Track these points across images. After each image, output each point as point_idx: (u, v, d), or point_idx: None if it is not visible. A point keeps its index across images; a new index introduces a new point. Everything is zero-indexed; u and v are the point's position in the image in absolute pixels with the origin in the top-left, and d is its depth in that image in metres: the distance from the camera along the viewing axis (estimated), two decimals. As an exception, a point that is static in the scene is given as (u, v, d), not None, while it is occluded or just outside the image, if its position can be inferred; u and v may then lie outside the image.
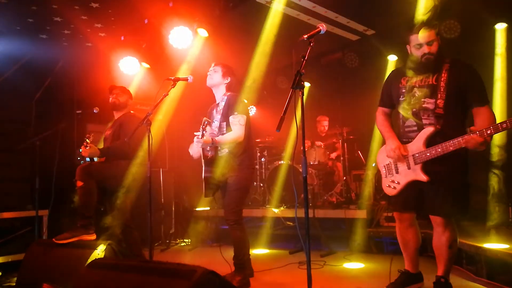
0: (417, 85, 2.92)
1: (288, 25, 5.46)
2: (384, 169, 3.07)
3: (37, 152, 4.64)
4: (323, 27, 2.52)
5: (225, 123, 3.68)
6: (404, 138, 2.98)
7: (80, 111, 5.05)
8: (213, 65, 3.84)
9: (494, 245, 3.40)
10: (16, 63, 5.49)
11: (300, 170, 2.40)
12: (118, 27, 5.41)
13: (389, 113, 3.21)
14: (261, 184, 6.33)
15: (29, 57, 5.53)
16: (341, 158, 6.06)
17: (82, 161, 5.51)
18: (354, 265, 4.26)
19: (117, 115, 4.19)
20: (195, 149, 3.72)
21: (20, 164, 5.41)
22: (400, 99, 2.99)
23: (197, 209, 6.60)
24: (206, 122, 3.52)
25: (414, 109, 2.90)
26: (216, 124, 3.74)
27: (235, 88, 3.92)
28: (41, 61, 5.61)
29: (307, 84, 7.10)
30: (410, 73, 2.99)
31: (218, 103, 3.79)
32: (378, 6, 5.24)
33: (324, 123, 6.91)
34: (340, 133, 6.11)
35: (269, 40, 5.85)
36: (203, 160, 3.64)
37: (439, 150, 2.71)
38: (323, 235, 5.00)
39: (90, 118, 5.70)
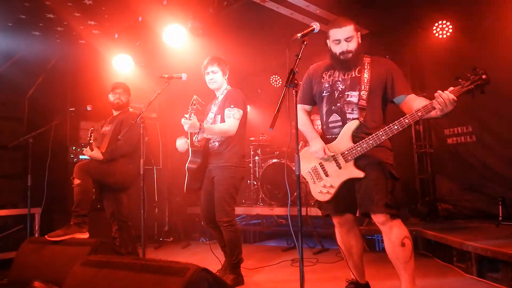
0: (340, 79, 2.79)
1: (282, 23, 5.47)
2: (309, 175, 2.82)
3: (30, 150, 4.62)
4: (316, 26, 2.51)
5: (220, 116, 3.56)
6: (327, 134, 2.82)
7: (73, 109, 5.03)
8: (209, 66, 3.60)
9: (484, 242, 3.42)
10: (9, 59, 5.45)
11: (294, 168, 2.40)
12: (112, 24, 5.39)
13: (310, 110, 3.06)
14: (254, 182, 6.34)
15: (21, 53, 5.49)
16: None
17: (75, 159, 5.51)
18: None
19: (116, 112, 4.19)
20: (182, 142, 3.57)
21: (12, 161, 5.37)
22: (324, 94, 2.84)
23: (190, 206, 6.60)
24: (195, 102, 3.31)
25: (338, 104, 2.74)
26: (211, 115, 3.65)
27: (233, 80, 3.82)
28: (34, 58, 5.57)
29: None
30: (332, 67, 2.86)
31: (218, 97, 3.72)
32: (371, 6, 5.26)
33: (318, 122, 6.89)
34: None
35: (263, 38, 5.85)
36: (190, 149, 3.46)
37: (371, 142, 2.54)
38: (316, 233, 5.02)
39: (83, 115, 5.68)
